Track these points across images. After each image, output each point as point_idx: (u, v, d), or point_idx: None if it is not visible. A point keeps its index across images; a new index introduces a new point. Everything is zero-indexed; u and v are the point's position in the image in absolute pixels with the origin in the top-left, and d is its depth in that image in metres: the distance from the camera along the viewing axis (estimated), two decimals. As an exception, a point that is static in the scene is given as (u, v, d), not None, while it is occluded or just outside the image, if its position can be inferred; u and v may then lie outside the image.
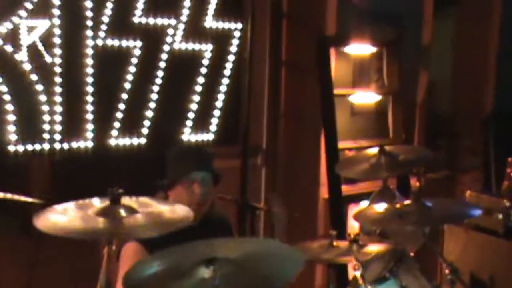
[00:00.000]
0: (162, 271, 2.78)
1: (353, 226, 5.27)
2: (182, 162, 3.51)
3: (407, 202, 3.58)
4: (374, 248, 3.39)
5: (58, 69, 4.15)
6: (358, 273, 3.28)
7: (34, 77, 4.08)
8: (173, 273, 2.79)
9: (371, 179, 5.06)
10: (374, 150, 4.02)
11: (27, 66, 4.05)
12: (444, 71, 6.48)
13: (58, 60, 4.14)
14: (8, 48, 3.99)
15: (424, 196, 4.38)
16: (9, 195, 3.01)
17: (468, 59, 6.45)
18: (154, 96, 4.55)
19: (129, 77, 4.44)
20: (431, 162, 4.21)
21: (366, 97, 5.60)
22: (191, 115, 4.75)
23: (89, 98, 4.29)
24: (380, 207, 3.66)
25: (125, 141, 4.47)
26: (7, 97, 4.00)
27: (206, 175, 3.48)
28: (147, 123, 4.54)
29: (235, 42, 4.93)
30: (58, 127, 4.19)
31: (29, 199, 3.04)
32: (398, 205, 3.57)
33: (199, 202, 3.44)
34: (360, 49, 5.53)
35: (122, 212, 2.74)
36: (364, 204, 5.13)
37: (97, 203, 2.80)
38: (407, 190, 5.38)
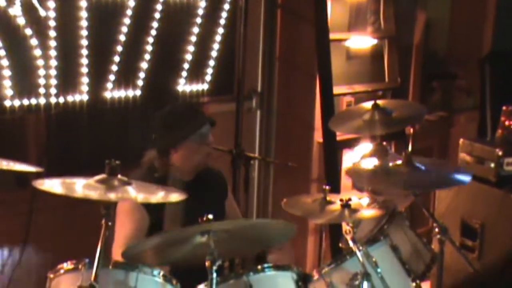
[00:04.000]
0: (160, 243, 2.92)
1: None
2: (186, 120, 3.57)
3: (399, 162, 3.63)
4: (366, 213, 3.44)
5: (52, 23, 4.12)
6: (349, 237, 3.34)
7: (28, 31, 4.05)
8: (170, 243, 2.90)
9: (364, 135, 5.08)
10: (368, 105, 4.02)
11: (21, 21, 4.02)
12: (442, 10, 6.42)
13: (52, 14, 4.11)
14: (2, 3, 3.95)
15: (419, 140, 4.44)
16: (4, 164, 3.03)
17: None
18: (149, 48, 4.53)
19: (124, 29, 4.41)
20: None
21: (362, 42, 5.56)
22: (186, 65, 4.75)
23: (84, 52, 4.27)
24: (372, 165, 3.70)
25: (121, 94, 4.47)
26: (1, 52, 3.99)
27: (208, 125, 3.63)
28: (142, 75, 4.54)
29: (231, -10, 4.89)
30: (53, 81, 4.19)
31: (25, 168, 3.07)
32: (389, 165, 3.62)
33: (209, 151, 3.61)
34: (357, -9, 5.48)
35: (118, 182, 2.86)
36: (358, 150, 5.20)
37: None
38: (402, 135, 5.45)
